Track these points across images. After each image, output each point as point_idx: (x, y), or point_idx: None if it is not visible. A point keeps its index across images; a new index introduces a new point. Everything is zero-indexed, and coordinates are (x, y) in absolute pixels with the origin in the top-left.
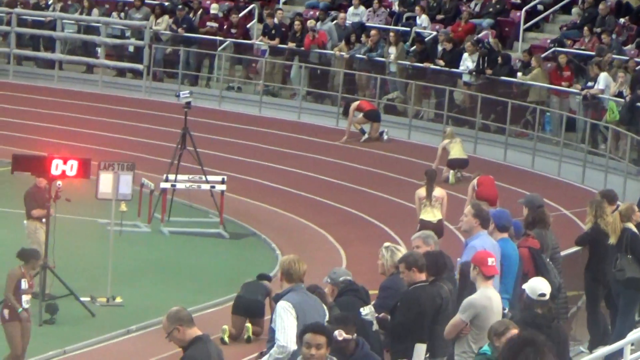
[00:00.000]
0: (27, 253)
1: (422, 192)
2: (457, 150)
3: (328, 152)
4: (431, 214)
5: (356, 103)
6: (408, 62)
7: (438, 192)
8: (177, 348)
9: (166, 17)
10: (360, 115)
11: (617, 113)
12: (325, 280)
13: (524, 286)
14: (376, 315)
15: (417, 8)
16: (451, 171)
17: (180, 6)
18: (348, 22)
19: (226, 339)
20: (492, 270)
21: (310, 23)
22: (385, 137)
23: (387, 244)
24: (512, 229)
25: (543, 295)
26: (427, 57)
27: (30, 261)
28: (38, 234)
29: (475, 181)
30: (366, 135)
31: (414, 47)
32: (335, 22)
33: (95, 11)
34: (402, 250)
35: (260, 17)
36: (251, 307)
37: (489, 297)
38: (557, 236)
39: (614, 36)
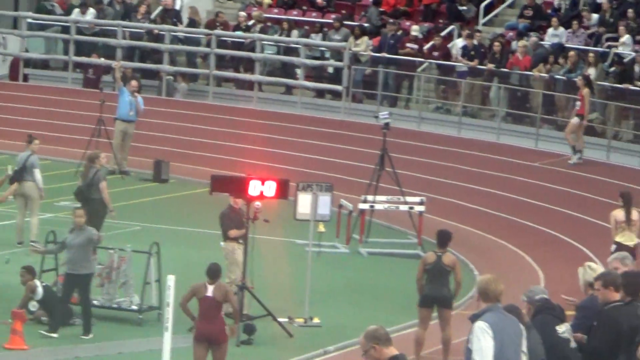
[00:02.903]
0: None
1: (618, 214)
2: None
3: (527, 173)
4: (629, 238)
5: None
6: (608, 83)
7: (635, 215)
8: None
9: (365, 38)
10: None
11: None
12: (522, 298)
13: None
14: (572, 333)
15: (620, 28)
16: None
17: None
18: (547, 43)
19: None
20: None
21: (514, 44)
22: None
23: (587, 263)
24: None
25: None
26: (626, 78)
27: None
28: (236, 255)
29: None
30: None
31: (613, 68)
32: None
33: (294, 32)
34: (598, 269)
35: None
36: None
37: None
38: None
39: None
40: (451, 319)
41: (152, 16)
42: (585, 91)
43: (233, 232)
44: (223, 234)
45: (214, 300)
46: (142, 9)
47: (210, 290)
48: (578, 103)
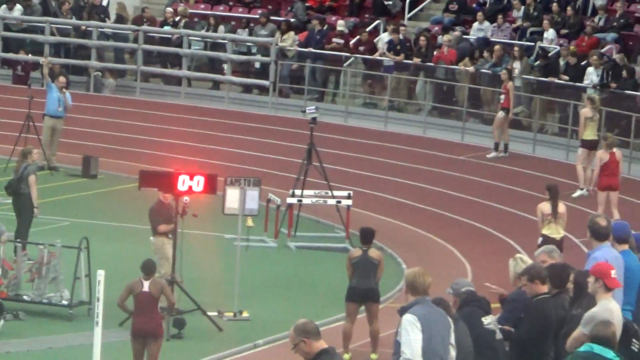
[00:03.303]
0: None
1: (545, 207)
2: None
3: (453, 166)
4: (555, 231)
5: None
6: (533, 77)
7: (562, 208)
8: None
9: (292, 33)
10: None
11: None
12: (448, 291)
13: None
14: (499, 326)
15: (544, 22)
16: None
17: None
18: (473, 37)
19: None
20: (615, 283)
21: (440, 39)
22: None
23: (517, 255)
24: (633, 240)
25: None
26: (551, 72)
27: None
28: (165, 249)
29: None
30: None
31: (538, 62)
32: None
33: (221, 28)
34: (529, 261)
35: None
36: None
37: (610, 309)
38: None
39: None
40: (379, 312)
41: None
42: (510, 84)
43: (162, 227)
44: (152, 229)
45: (150, 296)
46: (66, 6)
47: (146, 286)
48: (502, 97)
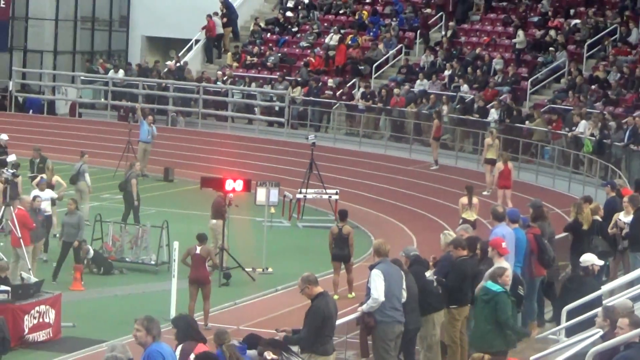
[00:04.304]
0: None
1: (464, 200)
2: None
3: (404, 173)
4: (470, 215)
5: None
6: (455, 115)
7: (475, 200)
8: (307, 300)
9: (299, 87)
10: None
11: (590, 147)
12: (401, 254)
13: (581, 259)
14: (435, 277)
15: (460, 80)
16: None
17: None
18: (416, 89)
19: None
20: (504, 251)
21: (395, 91)
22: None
23: (445, 231)
24: (521, 221)
25: (590, 264)
26: (466, 112)
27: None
28: (219, 228)
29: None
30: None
31: (458, 105)
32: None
33: (253, 84)
34: (453, 234)
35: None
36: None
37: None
38: (552, 226)
39: (588, 97)
40: (352, 268)
41: (161, 74)
42: (436, 122)
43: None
44: (213, 215)
45: (201, 257)
46: (154, 72)
47: (198, 250)
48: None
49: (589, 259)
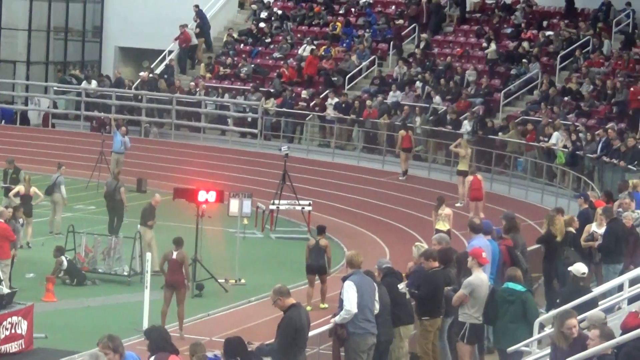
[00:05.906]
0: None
1: (437, 211)
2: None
3: (377, 185)
4: (443, 225)
5: None
6: (428, 127)
7: (447, 210)
8: (279, 312)
9: (272, 99)
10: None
11: (563, 158)
12: (375, 266)
13: (570, 268)
14: (407, 289)
15: (432, 91)
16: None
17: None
18: (389, 101)
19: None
20: (485, 260)
21: (367, 102)
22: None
23: (417, 243)
24: (494, 232)
25: (584, 274)
26: (440, 123)
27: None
28: (147, 235)
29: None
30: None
31: (432, 117)
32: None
33: (226, 95)
34: (425, 246)
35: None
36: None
37: (481, 278)
38: (525, 238)
39: (561, 108)
40: (327, 279)
41: (134, 85)
42: (405, 133)
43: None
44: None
45: (177, 261)
46: (126, 81)
47: (174, 255)
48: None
49: (579, 267)
